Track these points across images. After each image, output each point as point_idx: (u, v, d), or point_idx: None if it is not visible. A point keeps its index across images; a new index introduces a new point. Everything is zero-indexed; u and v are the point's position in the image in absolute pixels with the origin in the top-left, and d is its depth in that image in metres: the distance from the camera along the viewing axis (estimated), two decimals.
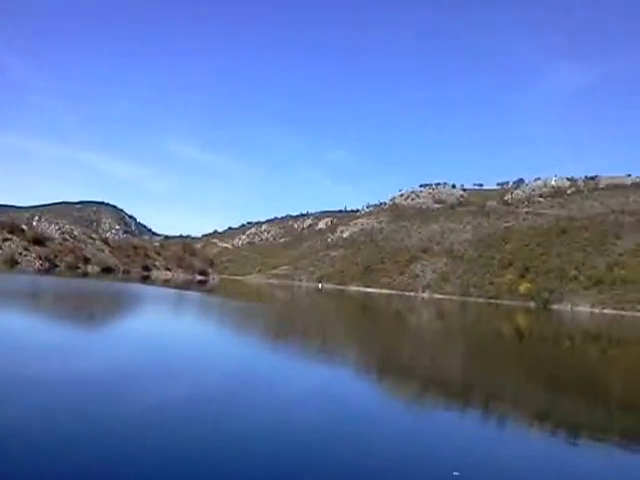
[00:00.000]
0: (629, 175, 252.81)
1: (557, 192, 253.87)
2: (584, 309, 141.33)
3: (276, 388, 16.70)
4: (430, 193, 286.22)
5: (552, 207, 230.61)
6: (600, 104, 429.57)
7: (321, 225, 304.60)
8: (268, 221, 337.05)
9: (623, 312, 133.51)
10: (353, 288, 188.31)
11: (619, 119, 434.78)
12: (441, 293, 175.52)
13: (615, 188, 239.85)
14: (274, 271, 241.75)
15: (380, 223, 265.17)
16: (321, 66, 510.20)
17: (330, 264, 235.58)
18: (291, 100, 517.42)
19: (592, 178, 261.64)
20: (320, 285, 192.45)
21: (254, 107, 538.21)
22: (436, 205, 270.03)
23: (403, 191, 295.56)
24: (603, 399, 20.87)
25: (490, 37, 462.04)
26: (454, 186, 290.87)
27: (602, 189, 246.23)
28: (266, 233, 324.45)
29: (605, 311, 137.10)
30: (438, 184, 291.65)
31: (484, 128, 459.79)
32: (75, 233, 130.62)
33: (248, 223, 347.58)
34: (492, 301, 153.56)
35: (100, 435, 10.34)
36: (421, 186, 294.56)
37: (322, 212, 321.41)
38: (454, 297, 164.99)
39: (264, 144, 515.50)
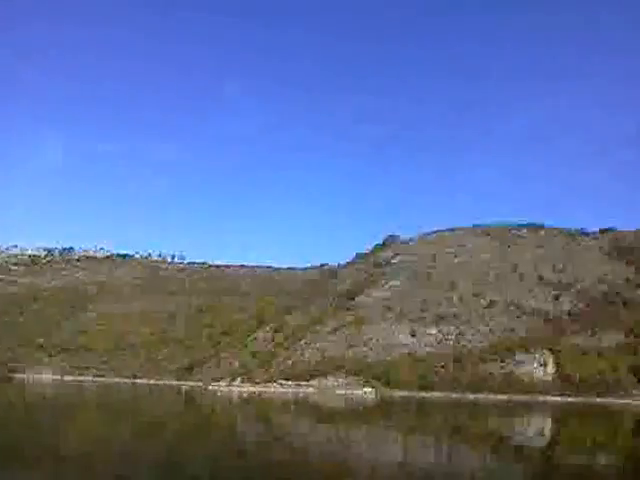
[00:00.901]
0: (102, 249, 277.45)
1: (33, 261, 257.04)
2: (48, 377, 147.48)
3: None
4: None
5: (27, 276, 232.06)
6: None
7: None
8: None
9: (82, 377, 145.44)
10: None
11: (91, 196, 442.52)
12: None
13: (88, 260, 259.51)
14: None
15: None
16: None
17: None
18: None
19: (69, 249, 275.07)
20: None
21: None
22: None
23: None
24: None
25: None
26: None
27: (77, 260, 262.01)
28: None
29: (67, 378, 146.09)
30: None
31: None
32: None
33: None
34: None
35: None
36: None
37: None
38: None
39: None
